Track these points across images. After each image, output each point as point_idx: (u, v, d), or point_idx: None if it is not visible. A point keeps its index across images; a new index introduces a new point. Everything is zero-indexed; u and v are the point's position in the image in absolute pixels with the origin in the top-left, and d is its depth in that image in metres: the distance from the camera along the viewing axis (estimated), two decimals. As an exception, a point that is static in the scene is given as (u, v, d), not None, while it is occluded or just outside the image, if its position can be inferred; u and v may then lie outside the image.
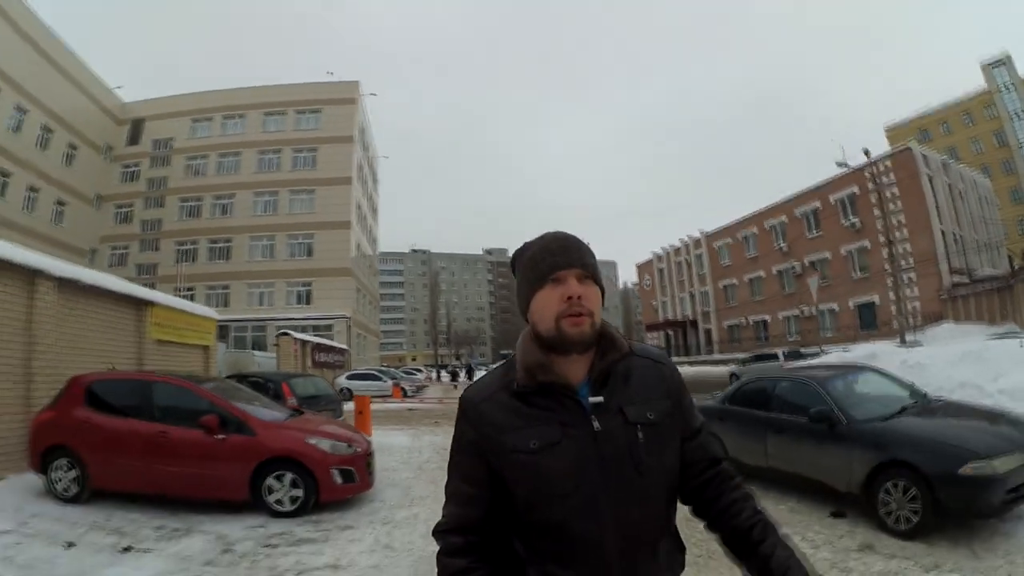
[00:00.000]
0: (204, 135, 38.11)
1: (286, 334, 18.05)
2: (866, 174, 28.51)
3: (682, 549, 1.14)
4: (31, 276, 7.44)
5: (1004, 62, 48.12)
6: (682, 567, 1.13)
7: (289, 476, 5.02)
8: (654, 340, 50.30)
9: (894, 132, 54.90)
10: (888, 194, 29.45)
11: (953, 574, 3.52)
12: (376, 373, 24.90)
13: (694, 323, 44.47)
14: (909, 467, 4.04)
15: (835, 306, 32.15)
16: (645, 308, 54.58)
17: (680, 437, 1.12)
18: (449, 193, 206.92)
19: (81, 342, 8.41)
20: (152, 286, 32.63)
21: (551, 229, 1.14)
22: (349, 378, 22.28)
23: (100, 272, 12.02)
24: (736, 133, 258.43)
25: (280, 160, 36.76)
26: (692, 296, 45.05)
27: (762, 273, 37.69)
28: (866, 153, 23.41)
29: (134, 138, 39.00)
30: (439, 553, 1.08)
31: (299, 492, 5.04)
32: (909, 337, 23.59)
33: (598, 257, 1.14)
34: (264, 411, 5.58)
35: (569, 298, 1.03)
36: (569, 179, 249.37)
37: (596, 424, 1.03)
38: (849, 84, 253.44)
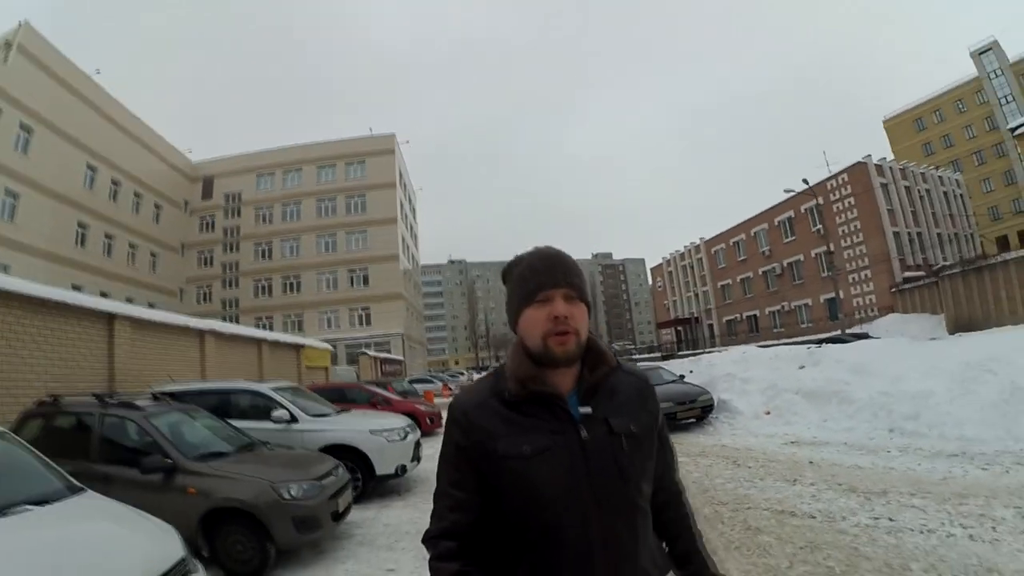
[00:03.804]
0: (268, 188, 45.31)
1: (365, 353, 25.26)
2: (828, 189, 34.38)
3: (663, 554, 1.22)
4: (258, 342, 14.55)
5: (992, 48, 49.72)
6: (665, 571, 1.19)
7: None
8: (667, 336, 56.25)
9: (891, 123, 57.88)
10: (846, 203, 34.88)
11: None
12: (429, 377, 31.92)
13: (698, 320, 50.26)
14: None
15: (809, 301, 37.62)
16: (659, 308, 60.52)
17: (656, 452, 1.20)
18: (480, 201, 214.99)
19: (279, 369, 15.50)
20: (236, 318, 40.55)
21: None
22: (410, 383, 29.37)
23: (282, 333, 19.28)
24: (764, 121, 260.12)
25: (336, 206, 43.76)
26: (696, 296, 50.87)
27: (751, 274, 43.28)
28: (805, 181, 29.17)
29: (207, 193, 45.94)
30: (431, 559, 1.11)
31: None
32: (854, 330, 28.95)
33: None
34: (394, 396, 12.46)
35: (556, 318, 1.07)
36: (601, 179, 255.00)
37: (584, 433, 1.07)
38: (866, 74, 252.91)
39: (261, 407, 6.65)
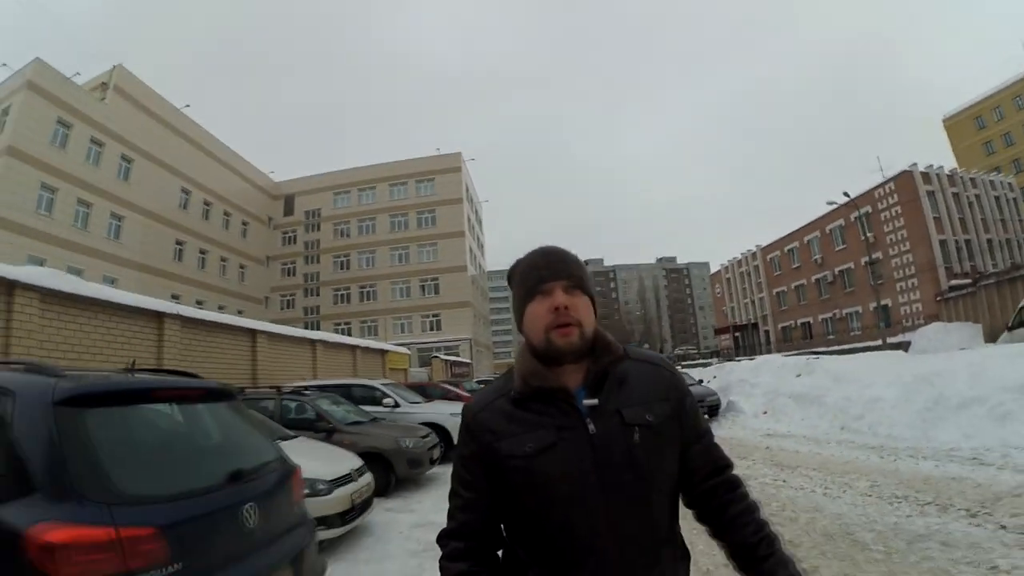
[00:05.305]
0: (344, 205, 49.55)
1: (437, 357, 28.65)
2: (876, 197, 35.24)
3: (686, 556, 1.17)
4: (353, 348, 17.86)
5: (1046, 40, 47.40)
6: (686, 570, 1.16)
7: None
8: (725, 342, 57.19)
9: (951, 122, 56.15)
10: (893, 212, 35.37)
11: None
12: (494, 379, 35.06)
13: (755, 326, 51.22)
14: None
15: (859, 309, 38.31)
16: (718, 314, 61.50)
17: (682, 441, 1.14)
18: (547, 207, 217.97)
19: (368, 370, 18.77)
20: (316, 325, 44.70)
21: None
22: (477, 383, 32.47)
23: (371, 340, 22.75)
24: (826, 119, 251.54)
25: (407, 221, 47.45)
26: (753, 302, 51.88)
27: (804, 281, 44.11)
28: (846, 194, 30.43)
29: (288, 210, 50.60)
30: (441, 558, 1.13)
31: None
32: (897, 338, 29.83)
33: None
34: (464, 393, 15.48)
35: (556, 309, 1.07)
36: (667, 182, 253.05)
37: (591, 426, 1.05)
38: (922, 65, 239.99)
39: (371, 396, 9.77)
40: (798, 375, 13.82)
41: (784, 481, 7.16)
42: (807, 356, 16.26)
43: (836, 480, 7.02)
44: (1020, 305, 15.25)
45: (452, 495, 1.17)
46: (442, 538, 1.15)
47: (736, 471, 1.21)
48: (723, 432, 11.93)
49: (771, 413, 12.73)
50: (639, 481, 1.05)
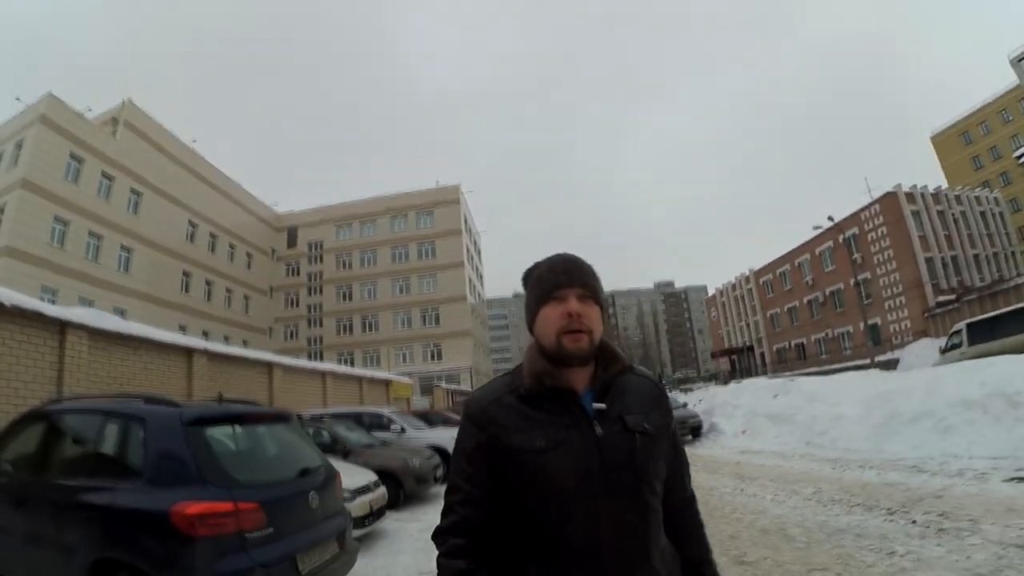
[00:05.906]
0: (346, 237, 50.90)
1: (438, 386, 29.71)
2: (863, 219, 36.41)
3: (675, 556, 1.22)
4: (359, 379, 18.94)
5: (1030, 54, 47.18)
6: (678, 572, 1.21)
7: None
8: (723, 365, 58.10)
9: (939, 139, 57.03)
10: (879, 232, 36.33)
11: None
12: (494, 377, 36.01)
13: (751, 348, 52.14)
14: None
15: (850, 328, 39.19)
16: (714, 337, 62.46)
17: (668, 455, 1.22)
18: (544, 236, 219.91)
19: (373, 399, 19.77)
20: (320, 354, 45.61)
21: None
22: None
23: (376, 370, 23.81)
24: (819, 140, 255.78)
25: (408, 253, 48.78)
26: (748, 325, 52.88)
27: (797, 303, 45.14)
28: (830, 219, 31.60)
29: (292, 242, 51.83)
30: (439, 555, 1.13)
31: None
32: (885, 356, 30.79)
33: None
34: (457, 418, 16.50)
35: (569, 315, 1.12)
36: (666, 185, 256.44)
37: (598, 429, 1.10)
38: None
39: (379, 423, 10.87)
40: (775, 396, 14.83)
41: (742, 490, 8.16)
42: (784, 378, 17.26)
43: (786, 488, 7.98)
44: (952, 330, 16.28)
45: (451, 490, 1.18)
46: (439, 535, 1.16)
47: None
48: (703, 451, 12.94)
49: (749, 432, 13.72)
50: (639, 482, 1.11)
